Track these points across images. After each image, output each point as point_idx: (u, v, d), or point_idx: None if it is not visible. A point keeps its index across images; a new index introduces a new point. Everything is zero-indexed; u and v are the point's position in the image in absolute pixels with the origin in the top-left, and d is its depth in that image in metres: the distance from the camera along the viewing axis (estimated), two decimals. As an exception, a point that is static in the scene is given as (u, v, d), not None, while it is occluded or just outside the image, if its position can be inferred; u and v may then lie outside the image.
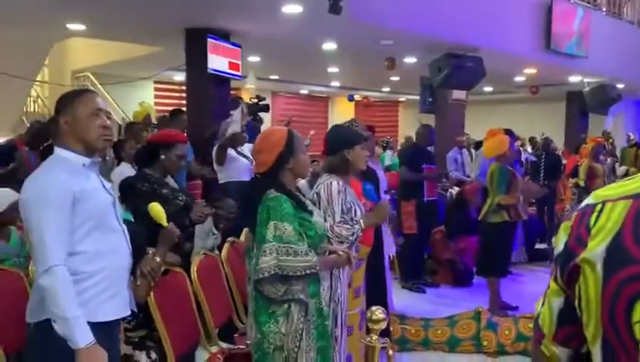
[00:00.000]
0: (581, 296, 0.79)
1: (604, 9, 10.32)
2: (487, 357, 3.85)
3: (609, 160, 7.10)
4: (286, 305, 2.16)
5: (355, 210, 2.65)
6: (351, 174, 2.78)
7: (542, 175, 8.02)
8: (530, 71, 10.11)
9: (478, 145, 9.61)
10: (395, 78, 11.74)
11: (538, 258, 6.84)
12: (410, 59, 8.86)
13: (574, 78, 10.62)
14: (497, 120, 10.25)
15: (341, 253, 2.36)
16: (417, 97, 9.76)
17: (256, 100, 6.26)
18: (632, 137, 10.62)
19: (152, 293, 2.45)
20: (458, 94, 8.83)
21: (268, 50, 8.38)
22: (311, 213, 2.27)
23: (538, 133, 11.16)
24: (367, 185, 2.98)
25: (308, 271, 2.12)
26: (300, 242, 2.12)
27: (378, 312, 2.16)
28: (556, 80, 11.13)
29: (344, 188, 2.64)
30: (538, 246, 7.22)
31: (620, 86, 10.48)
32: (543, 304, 0.91)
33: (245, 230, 3.42)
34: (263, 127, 7.99)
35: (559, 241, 0.85)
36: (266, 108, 5.98)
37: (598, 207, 0.80)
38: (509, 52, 8.03)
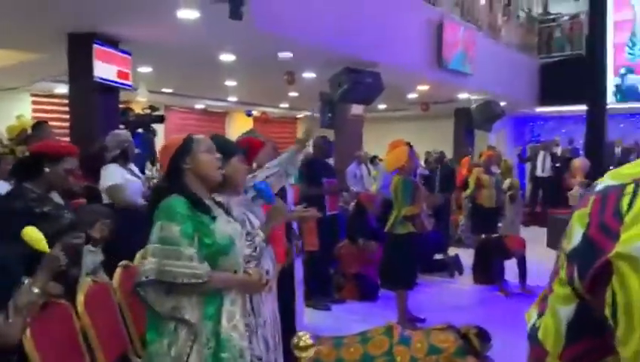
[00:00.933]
0: (616, 302, 0.62)
1: (484, 30, 11.06)
2: (400, 372, 3.77)
3: (498, 171, 7.55)
4: (172, 325, 1.91)
5: (249, 220, 2.41)
6: (231, 188, 2.40)
7: (437, 188, 8.32)
8: (423, 88, 10.53)
9: (373, 160, 9.85)
10: (294, 94, 11.70)
11: (437, 268, 7.03)
12: (309, 74, 8.84)
13: (462, 95, 11.25)
14: (392, 136, 10.33)
15: (251, 271, 2.13)
16: (316, 114, 9.76)
17: (149, 110, 5.83)
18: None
19: (28, 331, 2.08)
20: (356, 109, 8.94)
21: (161, 59, 7.91)
22: (214, 218, 2.02)
23: (430, 148, 11.67)
24: (260, 184, 2.68)
25: (192, 280, 1.87)
26: (188, 246, 1.89)
27: (306, 338, 1.94)
28: (446, 97, 11.72)
29: (227, 201, 2.37)
30: (437, 256, 7.42)
31: (503, 103, 11.25)
32: (540, 314, 0.73)
33: (139, 252, 3.07)
34: (157, 143, 7.52)
35: (572, 234, 0.68)
36: (159, 119, 5.58)
37: (630, 188, 0.63)
38: (404, 68, 8.27)
